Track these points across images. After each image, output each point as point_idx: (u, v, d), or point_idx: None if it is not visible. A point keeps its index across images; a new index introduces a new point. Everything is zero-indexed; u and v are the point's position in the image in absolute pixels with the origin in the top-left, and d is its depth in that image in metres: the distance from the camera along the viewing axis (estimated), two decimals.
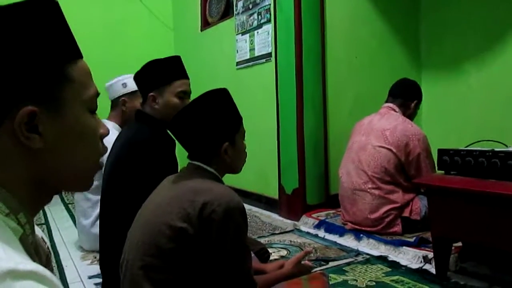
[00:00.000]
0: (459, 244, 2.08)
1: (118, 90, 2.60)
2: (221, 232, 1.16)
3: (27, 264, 0.46)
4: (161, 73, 1.82)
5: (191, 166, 1.32)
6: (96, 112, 0.66)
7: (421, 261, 2.16)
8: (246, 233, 1.25)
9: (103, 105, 2.66)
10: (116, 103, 2.64)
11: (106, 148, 0.68)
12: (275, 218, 3.19)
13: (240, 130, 1.36)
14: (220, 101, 1.32)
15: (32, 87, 0.56)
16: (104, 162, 1.91)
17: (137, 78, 1.85)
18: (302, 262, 1.53)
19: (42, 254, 0.72)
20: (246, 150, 1.40)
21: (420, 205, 2.51)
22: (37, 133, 0.57)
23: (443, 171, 1.94)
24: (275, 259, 2.23)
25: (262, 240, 2.56)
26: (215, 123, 1.28)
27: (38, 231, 0.78)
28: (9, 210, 0.57)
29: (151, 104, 1.79)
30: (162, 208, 1.22)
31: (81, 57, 0.64)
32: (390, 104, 2.72)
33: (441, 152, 1.91)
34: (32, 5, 0.58)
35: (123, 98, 2.60)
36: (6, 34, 0.55)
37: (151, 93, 1.79)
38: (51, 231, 2.99)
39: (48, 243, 0.82)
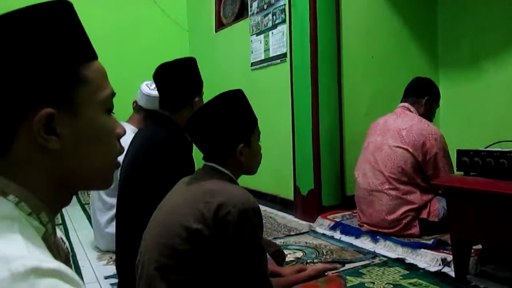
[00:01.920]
0: (479, 246, 2.04)
1: None
2: (237, 234, 1.15)
3: (49, 262, 0.47)
4: (199, 76, 1.84)
5: (206, 167, 1.32)
6: (113, 112, 0.67)
7: (439, 264, 2.12)
8: (261, 234, 1.24)
9: (120, 106, 2.67)
10: (149, 112, 2.54)
11: (123, 148, 0.68)
12: (290, 219, 3.17)
13: (255, 131, 1.35)
14: (235, 102, 1.31)
15: (48, 89, 0.57)
16: (120, 162, 1.91)
17: (170, 83, 1.79)
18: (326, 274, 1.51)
19: (62, 253, 0.72)
20: (261, 151, 1.39)
21: (438, 206, 2.47)
22: (55, 135, 0.58)
23: (462, 172, 1.90)
24: (291, 261, 2.22)
25: (277, 242, 2.54)
26: (230, 124, 1.28)
27: (57, 231, 0.79)
28: (32, 210, 0.58)
29: (196, 107, 1.75)
30: (178, 210, 1.22)
31: (96, 57, 0.65)
32: (405, 104, 2.69)
33: (460, 152, 1.88)
34: (47, 8, 0.58)
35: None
36: (22, 37, 0.56)
37: (196, 97, 1.79)
38: (68, 231, 3.02)
39: (67, 243, 0.82)
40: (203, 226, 1.15)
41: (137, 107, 2.64)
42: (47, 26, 0.57)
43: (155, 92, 2.51)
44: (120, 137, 0.67)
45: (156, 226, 1.26)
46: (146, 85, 2.56)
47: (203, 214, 1.16)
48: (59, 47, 0.58)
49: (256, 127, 1.36)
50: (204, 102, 1.83)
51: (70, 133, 0.59)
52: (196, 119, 1.30)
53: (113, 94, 0.65)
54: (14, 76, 0.55)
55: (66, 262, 0.73)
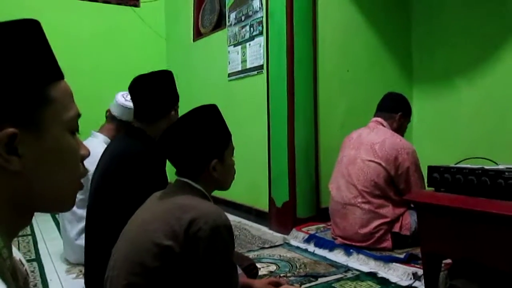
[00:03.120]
0: (449, 261, 2.07)
1: None
2: (208, 250, 1.15)
3: None
4: (174, 88, 1.83)
5: (179, 182, 1.31)
6: (78, 131, 0.66)
7: (410, 278, 2.14)
8: (233, 251, 1.23)
9: (94, 114, 2.61)
10: (124, 123, 2.50)
11: (87, 170, 0.67)
12: (265, 231, 3.17)
13: (229, 147, 1.35)
14: (209, 117, 1.31)
15: (12, 108, 0.56)
16: (91, 174, 1.88)
17: (147, 95, 1.78)
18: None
19: (20, 277, 0.70)
20: (234, 166, 1.39)
21: (410, 220, 2.50)
22: (16, 155, 0.56)
23: (433, 188, 1.94)
24: (264, 275, 2.21)
25: (251, 254, 2.53)
26: (203, 140, 1.27)
27: (16, 253, 0.76)
28: None
29: (171, 121, 1.75)
30: (148, 225, 1.20)
31: (63, 77, 0.64)
32: (378, 118, 2.73)
33: (431, 169, 1.91)
34: (13, 26, 0.57)
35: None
36: None
37: (171, 111, 1.79)
38: (36, 242, 2.94)
39: (26, 266, 0.79)
40: (174, 243, 1.14)
41: (110, 116, 2.59)
42: (13, 46, 0.56)
43: (130, 104, 2.48)
44: (84, 159, 0.65)
45: (125, 242, 1.24)
46: (122, 95, 2.52)
47: (174, 231, 1.15)
48: (25, 67, 0.57)
49: (230, 142, 1.36)
50: (179, 115, 1.84)
51: (33, 153, 0.57)
52: (169, 134, 1.29)
53: (78, 115, 0.64)
54: None
55: (25, 285, 0.71)
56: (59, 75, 0.63)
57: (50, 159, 0.60)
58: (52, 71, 0.61)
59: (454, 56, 3.37)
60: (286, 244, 2.83)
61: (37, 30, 0.60)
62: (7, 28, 0.56)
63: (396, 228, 2.49)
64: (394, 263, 2.28)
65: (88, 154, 0.66)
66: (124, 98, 2.51)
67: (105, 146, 2.25)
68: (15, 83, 0.56)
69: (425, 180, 2.17)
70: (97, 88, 4.25)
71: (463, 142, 3.25)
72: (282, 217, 3.15)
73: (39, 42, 0.60)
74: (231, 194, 3.57)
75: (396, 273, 2.22)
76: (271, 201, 3.24)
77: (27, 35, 0.58)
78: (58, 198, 0.63)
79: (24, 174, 0.57)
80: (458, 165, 1.89)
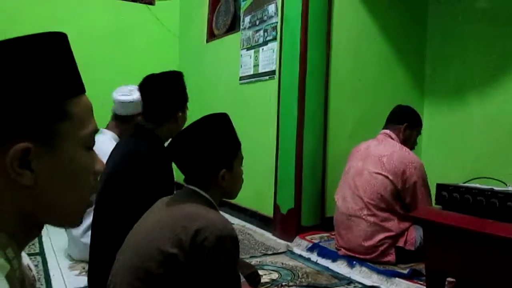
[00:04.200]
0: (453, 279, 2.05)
1: (138, 108, 2.51)
2: (212, 260, 1.14)
3: None
4: (184, 91, 1.83)
5: (186, 189, 1.31)
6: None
7: None
8: (237, 262, 1.23)
9: (107, 110, 2.64)
10: (125, 118, 2.56)
11: (98, 185, 0.67)
12: (268, 237, 3.16)
13: (238, 156, 1.34)
14: (219, 127, 1.31)
15: (29, 122, 0.55)
16: (93, 201, 1.88)
17: (155, 96, 1.79)
18: None
19: (27, 283, 0.71)
20: (243, 176, 1.39)
21: (415, 235, 2.49)
22: (29, 169, 0.56)
23: (440, 206, 1.92)
24: (266, 283, 2.21)
25: (254, 261, 2.53)
26: (213, 149, 1.27)
27: (25, 258, 0.77)
28: None
29: (179, 122, 1.78)
30: (154, 232, 1.20)
31: (84, 92, 0.63)
32: (387, 131, 2.72)
33: (440, 187, 1.90)
34: (40, 39, 0.57)
35: (139, 116, 2.54)
36: (9, 68, 0.54)
37: (179, 112, 1.79)
38: (41, 236, 2.95)
39: (34, 272, 0.80)
40: (179, 251, 1.14)
41: (112, 114, 2.64)
42: (37, 59, 0.56)
43: (123, 97, 2.53)
44: (99, 174, 0.65)
45: (130, 248, 1.24)
46: (116, 91, 2.58)
47: (180, 239, 1.15)
48: (46, 81, 0.57)
49: (239, 152, 1.36)
50: (188, 115, 1.85)
51: (45, 169, 0.57)
52: (179, 141, 1.29)
53: (96, 131, 0.64)
54: None
55: None
56: (81, 89, 0.62)
57: (62, 175, 0.59)
58: (73, 86, 0.61)
59: (467, 71, 3.35)
60: (289, 252, 2.82)
61: (63, 43, 0.60)
62: (33, 40, 0.56)
63: (400, 243, 2.48)
64: (397, 278, 2.27)
65: (103, 169, 0.66)
66: (117, 93, 2.56)
67: (114, 142, 2.27)
68: (34, 97, 0.56)
69: (433, 196, 2.16)
70: (109, 84, 4.25)
71: (473, 158, 3.23)
72: (286, 224, 3.14)
73: (63, 55, 0.60)
74: (237, 198, 3.55)
75: None
76: (276, 207, 3.24)
77: (53, 48, 0.58)
78: (66, 214, 0.63)
79: (35, 188, 0.57)
80: (467, 185, 1.87)
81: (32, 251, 2.63)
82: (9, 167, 0.54)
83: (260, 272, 1.99)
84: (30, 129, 0.55)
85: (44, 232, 3.03)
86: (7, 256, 0.57)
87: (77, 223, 0.65)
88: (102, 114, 2.25)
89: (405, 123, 2.70)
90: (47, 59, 0.57)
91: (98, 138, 2.68)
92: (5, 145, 0.54)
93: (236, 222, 3.54)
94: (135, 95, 2.49)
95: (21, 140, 0.54)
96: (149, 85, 1.81)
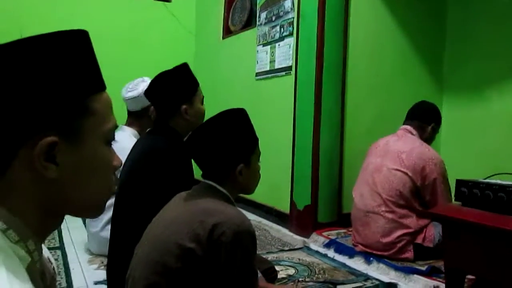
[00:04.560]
0: (473, 276, 2.03)
1: (145, 101, 2.54)
2: (230, 255, 1.15)
3: None
4: (188, 84, 1.82)
5: (204, 184, 1.31)
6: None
7: None
8: (254, 257, 1.23)
9: (119, 111, 2.68)
10: (139, 113, 2.58)
11: (117, 180, 0.68)
12: (285, 233, 3.16)
13: (255, 152, 1.35)
14: (237, 122, 1.31)
15: (55, 117, 0.57)
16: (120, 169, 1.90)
17: (157, 93, 1.80)
18: None
19: (48, 276, 0.72)
20: (260, 171, 1.39)
21: (434, 232, 2.46)
22: (54, 163, 0.58)
23: (460, 202, 1.90)
24: (282, 278, 2.21)
25: (270, 257, 2.53)
26: (231, 144, 1.27)
27: (45, 251, 0.78)
28: (19, 238, 0.58)
29: (184, 116, 1.78)
30: (172, 226, 1.21)
31: (105, 89, 0.65)
32: (407, 127, 2.67)
33: (459, 183, 1.87)
34: (62, 37, 0.59)
35: (152, 108, 2.57)
36: (35, 64, 0.56)
37: (184, 106, 1.79)
38: (61, 230, 3.00)
39: (53, 264, 0.81)
40: (197, 246, 1.15)
41: (127, 111, 2.68)
42: (60, 56, 0.58)
43: (129, 94, 2.57)
44: (116, 170, 0.67)
45: (148, 242, 1.25)
46: (123, 89, 2.61)
47: (198, 234, 1.15)
48: (70, 78, 0.59)
49: (256, 147, 1.36)
50: (204, 110, 1.85)
51: (70, 162, 0.59)
52: (197, 136, 1.29)
53: (115, 127, 0.66)
54: (23, 102, 0.55)
55: (51, 284, 0.72)
56: (102, 86, 0.64)
57: (85, 169, 0.61)
58: (95, 83, 0.63)
59: (487, 67, 3.29)
60: (306, 248, 2.81)
61: (85, 41, 0.62)
62: (56, 38, 0.58)
63: (419, 240, 2.45)
64: (415, 275, 2.25)
65: (120, 165, 0.68)
66: (124, 91, 2.60)
67: (134, 139, 2.29)
68: (59, 93, 0.58)
69: (452, 194, 2.13)
70: (124, 81, 4.31)
71: (492, 154, 3.17)
72: (302, 220, 3.13)
73: (85, 53, 0.62)
74: (253, 194, 3.56)
75: (417, 285, 2.18)
76: (292, 203, 3.23)
77: (75, 46, 0.60)
78: (88, 206, 0.65)
79: (59, 181, 0.59)
80: (487, 181, 1.84)
81: (52, 245, 2.67)
82: (36, 160, 0.56)
83: (277, 267, 1.99)
84: (55, 124, 0.57)
85: (63, 226, 3.08)
86: (28, 248, 0.58)
87: (97, 214, 0.68)
88: (120, 112, 2.29)
89: (432, 124, 2.66)
90: (71, 57, 0.59)
91: (118, 135, 2.72)
92: (32, 139, 0.56)
93: (252, 218, 3.54)
94: (140, 88, 2.52)
95: (48, 134, 0.56)
96: (152, 86, 1.83)
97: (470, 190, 1.81)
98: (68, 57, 0.58)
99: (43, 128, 0.56)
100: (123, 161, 1.88)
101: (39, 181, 0.58)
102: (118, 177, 1.89)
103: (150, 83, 1.83)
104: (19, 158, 0.56)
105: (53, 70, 0.57)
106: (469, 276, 1.99)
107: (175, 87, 1.81)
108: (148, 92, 1.84)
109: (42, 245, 0.69)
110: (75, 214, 0.65)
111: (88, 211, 0.66)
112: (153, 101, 1.84)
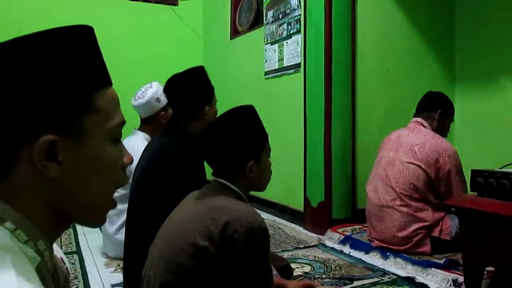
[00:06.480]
0: (492, 268, 1.99)
1: (154, 106, 2.57)
2: (243, 253, 1.14)
3: None
4: (209, 86, 1.83)
5: (215, 183, 1.31)
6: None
7: (450, 285, 2.08)
8: (268, 254, 1.22)
9: (129, 115, 2.70)
10: (150, 118, 2.61)
11: (127, 178, 0.67)
12: (299, 231, 3.15)
13: (265, 148, 1.34)
14: (246, 119, 1.30)
15: (55, 115, 0.56)
16: (132, 171, 1.91)
17: (180, 94, 1.80)
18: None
19: (61, 276, 0.71)
20: (271, 167, 1.38)
21: (450, 224, 2.42)
22: (56, 162, 0.57)
23: (476, 193, 1.86)
24: (298, 275, 2.20)
25: (286, 254, 2.52)
26: (241, 142, 1.27)
27: (58, 251, 0.78)
28: (28, 238, 0.57)
29: (205, 117, 1.78)
30: (185, 225, 1.21)
31: (111, 84, 0.63)
32: (418, 119, 2.65)
33: (474, 173, 1.84)
34: (66, 32, 0.58)
35: (162, 112, 2.59)
36: (36, 60, 0.55)
37: (207, 107, 1.79)
38: (77, 235, 3.04)
39: (67, 264, 0.81)
40: (210, 244, 1.14)
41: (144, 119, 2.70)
42: (63, 51, 0.57)
43: (138, 102, 2.59)
44: (126, 167, 0.65)
45: (162, 241, 1.25)
46: (132, 98, 2.63)
47: (210, 232, 1.15)
48: (73, 74, 0.57)
49: (266, 144, 1.35)
50: (217, 111, 1.85)
51: (72, 161, 0.58)
52: (206, 135, 1.29)
53: (123, 123, 0.64)
54: (23, 99, 0.54)
55: (65, 284, 0.72)
56: (107, 82, 0.63)
57: (88, 168, 0.59)
58: (99, 78, 0.61)
59: (500, 57, 3.23)
60: (321, 245, 2.80)
61: (89, 36, 0.61)
62: (59, 33, 0.57)
63: (435, 233, 2.42)
64: (433, 269, 2.22)
65: (131, 162, 0.66)
66: (133, 100, 2.63)
67: (146, 143, 2.30)
68: (61, 90, 0.56)
69: (468, 185, 2.10)
70: (135, 85, 4.34)
71: (507, 145, 3.11)
72: (317, 217, 3.12)
73: (89, 48, 0.60)
74: (266, 192, 3.54)
75: (435, 279, 2.15)
76: (306, 201, 3.22)
77: (79, 41, 0.59)
78: (92, 208, 0.62)
79: (63, 180, 0.57)
80: (504, 170, 1.81)
81: (69, 250, 2.70)
82: (36, 159, 0.55)
83: (293, 265, 1.98)
84: (56, 122, 0.56)
85: (80, 231, 3.12)
86: (38, 248, 0.57)
87: (100, 221, 0.65)
88: (131, 116, 2.31)
89: (439, 110, 2.62)
90: (72, 52, 0.57)
91: (130, 139, 2.76)
92: (33, 137, 0.55)
93: (266, 217, 3.54)
94: (148, 94, 2.56)
95: (47, 132, 0.55)
96: (172, 86, 1.82)
97: (486, 180, 1.78)
98: (72, 52, 0.57)
99: (43, 126, 0.55)
100: (136, 163, 1.89)
101: (43, 181, 0.56)
102: (131, 178, 1.90)
103: (169, 85, 1.82)
104: (23, 157, 0.55)
105: (52, 65, 0.55)
106: (488, 268, 1.95)
107: (199, 89, 1.82)
108: (169, 94, 1.84)
109: (55, 245, 0.69)
110: (78, 217, 0.63)
111: (91, 214, 0.63)
112: (175, 103, 1.83)
